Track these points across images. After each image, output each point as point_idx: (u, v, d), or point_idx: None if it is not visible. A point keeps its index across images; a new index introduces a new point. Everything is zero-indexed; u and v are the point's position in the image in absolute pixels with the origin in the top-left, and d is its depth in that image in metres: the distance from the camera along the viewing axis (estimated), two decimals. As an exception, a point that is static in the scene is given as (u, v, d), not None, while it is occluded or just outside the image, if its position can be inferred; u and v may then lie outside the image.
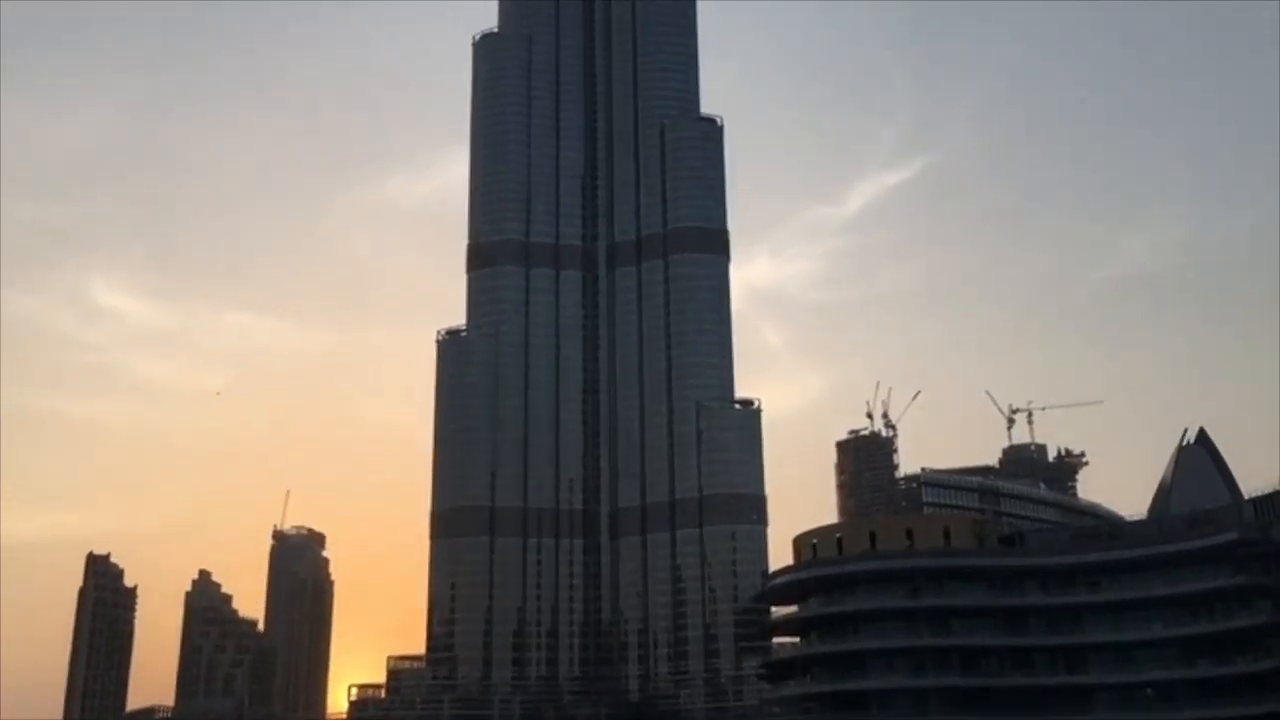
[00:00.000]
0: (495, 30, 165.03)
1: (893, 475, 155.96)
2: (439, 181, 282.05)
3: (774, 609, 77.64)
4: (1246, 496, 72.84)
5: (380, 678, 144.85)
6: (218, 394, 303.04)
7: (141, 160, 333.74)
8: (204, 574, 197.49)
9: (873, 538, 71.22)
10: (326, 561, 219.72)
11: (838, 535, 73.67)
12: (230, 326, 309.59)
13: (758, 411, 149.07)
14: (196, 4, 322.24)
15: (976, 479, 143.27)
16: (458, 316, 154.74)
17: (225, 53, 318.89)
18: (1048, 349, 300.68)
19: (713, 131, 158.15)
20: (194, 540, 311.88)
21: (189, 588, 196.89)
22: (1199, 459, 76.96)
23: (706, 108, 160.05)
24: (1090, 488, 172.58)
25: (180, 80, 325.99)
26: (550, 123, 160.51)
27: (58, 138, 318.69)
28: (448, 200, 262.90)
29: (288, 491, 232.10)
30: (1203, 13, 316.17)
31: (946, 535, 71.06)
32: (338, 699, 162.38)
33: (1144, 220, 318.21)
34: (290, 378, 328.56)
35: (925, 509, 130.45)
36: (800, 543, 74.21)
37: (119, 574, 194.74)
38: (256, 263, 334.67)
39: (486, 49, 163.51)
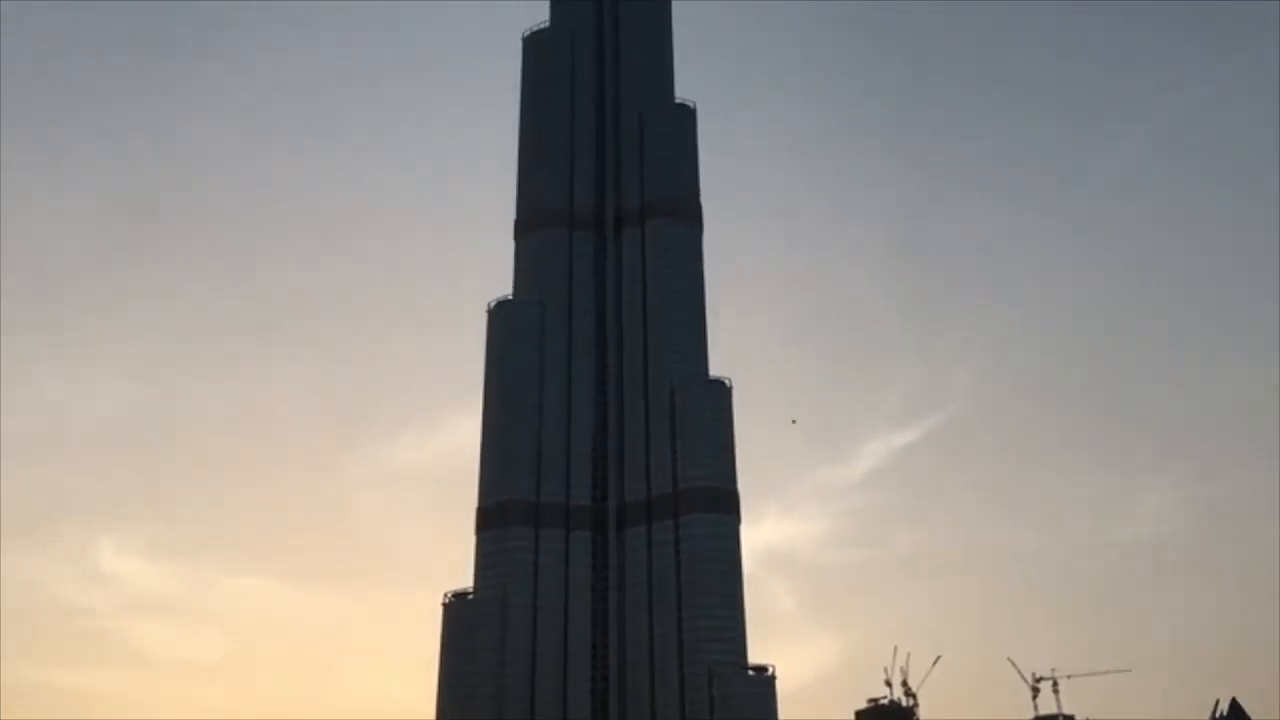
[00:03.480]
0: (509, 297, 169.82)
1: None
2: (448, 442, 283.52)
3: None
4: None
5: None
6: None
7: (150, 423, 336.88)
8: None
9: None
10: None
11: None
12: (232, 590, 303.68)
13: (772, 679, 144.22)
14: (203, 277, 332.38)
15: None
16: (464, 578, 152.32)
17: (236, 318, 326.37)
18: (1068, 612, 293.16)
19: (721, 393, 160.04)
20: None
21: None
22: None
23: (715, 369, 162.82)
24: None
25: (193, 345, 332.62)
26: (562, 385, 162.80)
27: (73, 403, 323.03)
28: (457, 461, 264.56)
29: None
30: (1201, 242, 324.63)
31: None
32: None
33: (1158, 478, 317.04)
34: (290, 643, 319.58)
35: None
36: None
37: None
38: (261, 525, 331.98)
39: (501, 315, 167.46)
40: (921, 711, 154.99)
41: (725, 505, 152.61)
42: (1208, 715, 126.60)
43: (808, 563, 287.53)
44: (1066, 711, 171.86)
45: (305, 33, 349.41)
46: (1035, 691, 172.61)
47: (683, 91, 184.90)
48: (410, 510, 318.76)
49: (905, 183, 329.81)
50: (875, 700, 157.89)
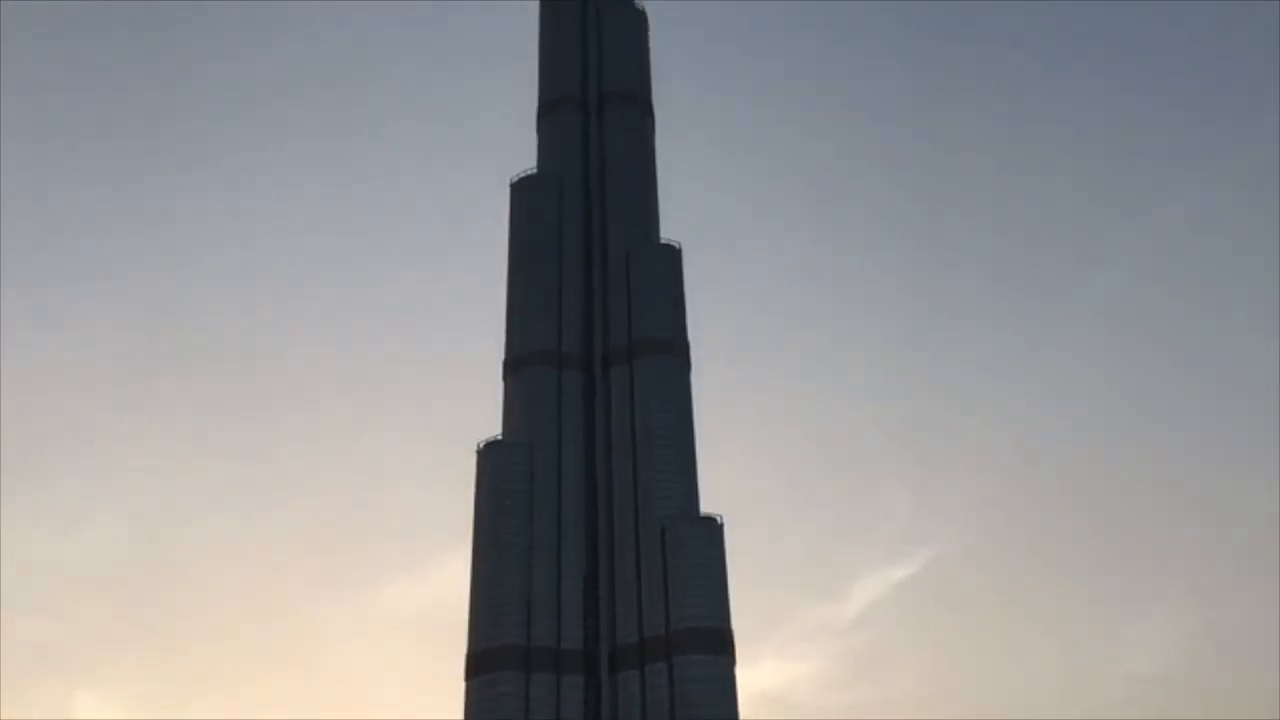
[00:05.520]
0: (498, 438, 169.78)
1: None
2: (437, 586, 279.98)
3: None
4: None
5: None
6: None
7: (135, 572, 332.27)
8: None
9: None
10: None
11: None
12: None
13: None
14: (192, 423, 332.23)
15: None
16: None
17: (224, 461, 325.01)
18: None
19: (713, 531, 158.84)
20: None
21: None
22: None
23: (706, 506, 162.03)
24: None
25: (180, 491, 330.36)
26: (552, 526, 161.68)
27: (57, 553, 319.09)
28: (446, 605, 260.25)
29: None
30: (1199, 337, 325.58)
31: None
32: None
33: (1159, 608, 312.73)
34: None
35: None
36: None
37: None
38: (245, 673, 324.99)
39: (490, 456, 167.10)
40: None
41: (719, 646, 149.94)
42: None
43: (807, 705, 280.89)
44: None
45: (302, 177, 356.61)
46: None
47: (669, 231, 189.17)
48: (398, 657, 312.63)
49: (893, 313, 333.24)
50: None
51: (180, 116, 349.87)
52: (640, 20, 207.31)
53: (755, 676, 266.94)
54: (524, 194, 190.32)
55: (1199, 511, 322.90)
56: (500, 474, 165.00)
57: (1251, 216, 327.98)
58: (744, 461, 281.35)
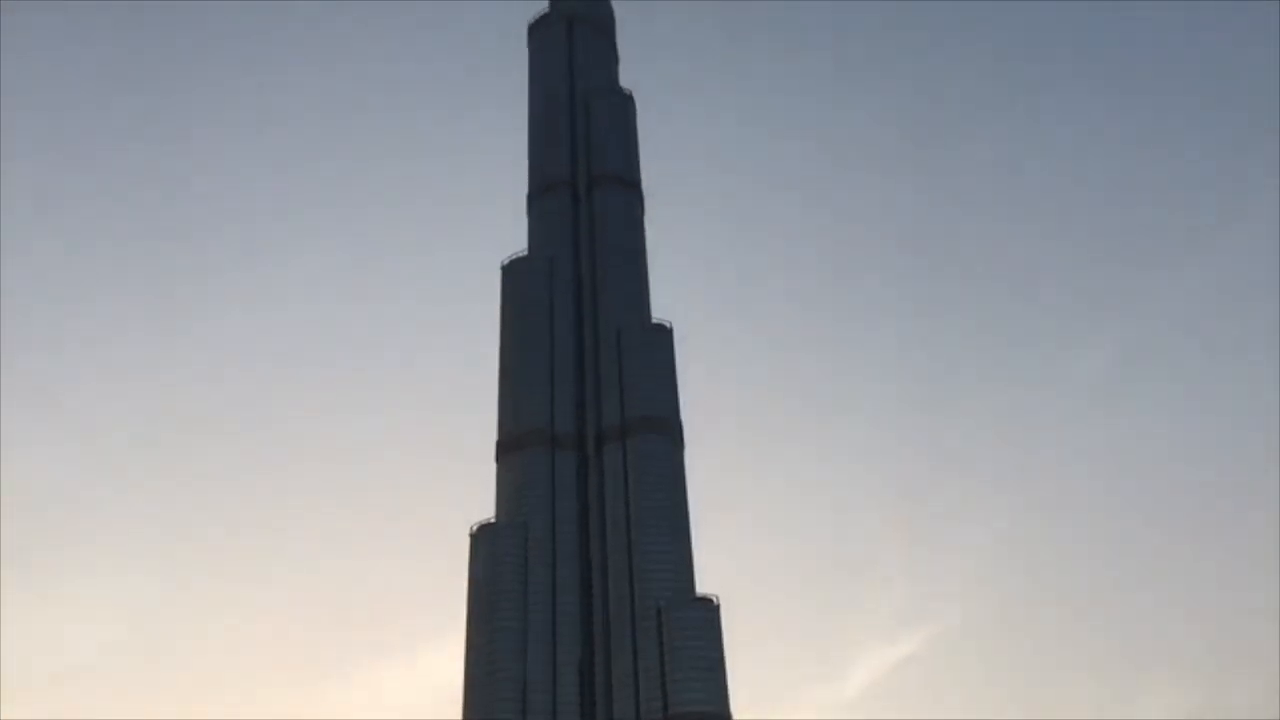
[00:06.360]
0: (492, 520, 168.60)
1: None
2: (430, 670, 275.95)
3: None
4: None
5: None
6: None
7: (130, 659, 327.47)
8: None
9: None
10: None
11: None
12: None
13: None
14: (191, 508, 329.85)
15: None
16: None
17: (219, 545, 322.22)
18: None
19: (710, 612, 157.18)
20: None
21: None
22: None
23: (703, 587, 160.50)
24: None
25: (176, 575, 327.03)
26: (546, 608, 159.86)
27: (50, 644, 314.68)
28: (440, 688, 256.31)
29: None
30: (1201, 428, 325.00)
31: None
32: None
33: (1158, 687, 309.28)
34: None
35: None
36: None
37: None
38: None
39: (484, 538, 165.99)
40: None
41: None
42: None
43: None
44: None
45: (296, 261, 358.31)
46: None
47: (659, 310, 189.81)
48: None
49: (886, 391, 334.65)
50: None
51: (174, 205, 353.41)
52: (628, 104, 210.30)
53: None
54: (515, 276, 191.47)
55: (1197, 593, 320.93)
56: (494, 557, 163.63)
57: (1247, 293, 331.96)
58: (738, 541, 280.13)
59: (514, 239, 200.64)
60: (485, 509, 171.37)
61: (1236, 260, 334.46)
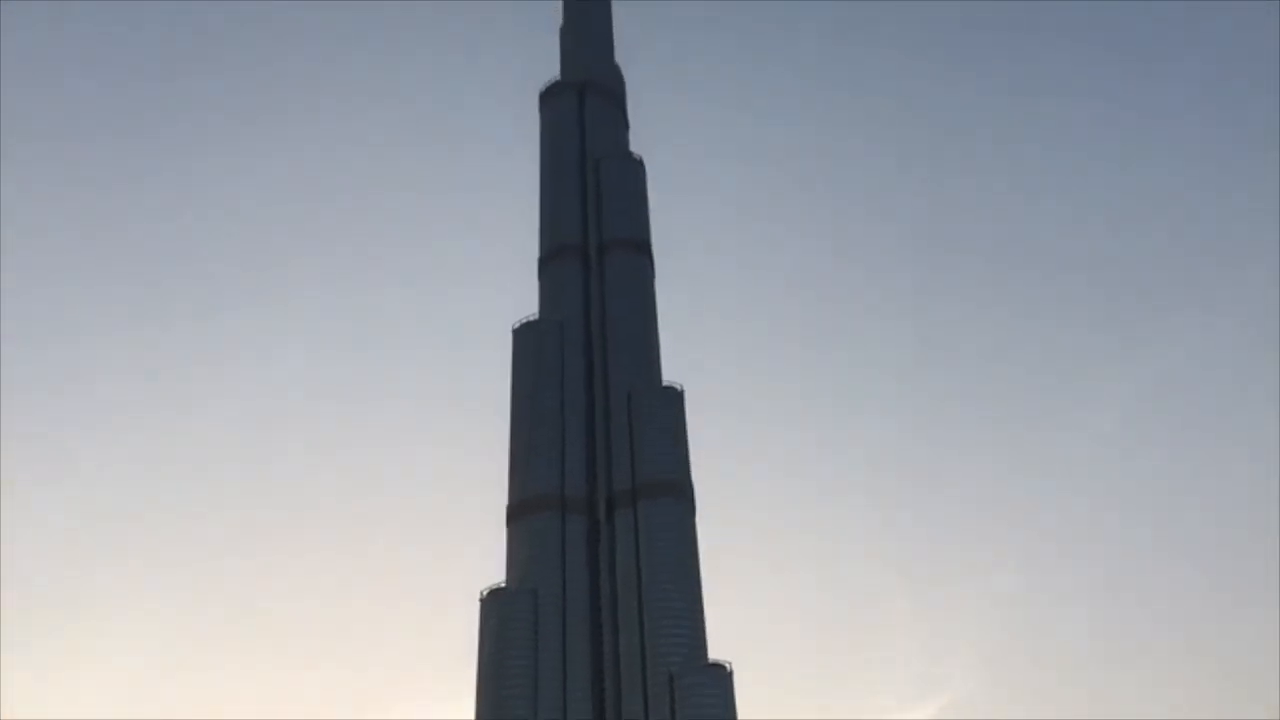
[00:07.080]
0: (502, 585, 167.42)
1: None
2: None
3: None
4: None
5: None
6: None
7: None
8: None
9: None
10: None
11: None
12: None
13: None
14: (191, 574, 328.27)
15: None
16: None
17: (220, 614, 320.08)
18: None
19: (722, 678, 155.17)
20: None
21: None
22: None
23: (714, 653, 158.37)
24: None
25: (176, 650, 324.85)
26: (557, 674, 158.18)
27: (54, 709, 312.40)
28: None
29: None
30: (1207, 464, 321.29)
31: None
32: None
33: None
34: None
35: None
36: None
37: None
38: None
39: (494, 604, 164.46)
40: None
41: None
42: None
43: None
44: None
45: (304, 327, 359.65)
46: None
47: (670, 373, 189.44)
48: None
49: (896, 453, 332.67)
50: None
51: (174, 264, 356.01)
52: (638, 168, 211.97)
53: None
54: (526, 339, 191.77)
55: (1223, 656, 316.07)
56: (504, 623, 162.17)
57: (1249, 350, 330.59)
58: (751, 604, 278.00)
59: (525, 303, 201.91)
60: (495, 573, 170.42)
61: (1236, 319, 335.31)
